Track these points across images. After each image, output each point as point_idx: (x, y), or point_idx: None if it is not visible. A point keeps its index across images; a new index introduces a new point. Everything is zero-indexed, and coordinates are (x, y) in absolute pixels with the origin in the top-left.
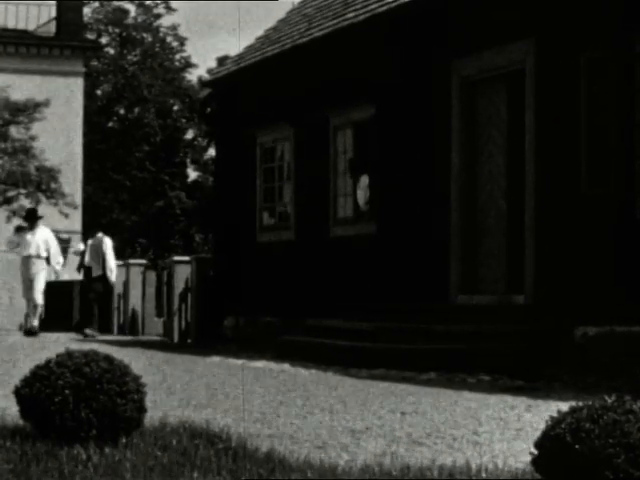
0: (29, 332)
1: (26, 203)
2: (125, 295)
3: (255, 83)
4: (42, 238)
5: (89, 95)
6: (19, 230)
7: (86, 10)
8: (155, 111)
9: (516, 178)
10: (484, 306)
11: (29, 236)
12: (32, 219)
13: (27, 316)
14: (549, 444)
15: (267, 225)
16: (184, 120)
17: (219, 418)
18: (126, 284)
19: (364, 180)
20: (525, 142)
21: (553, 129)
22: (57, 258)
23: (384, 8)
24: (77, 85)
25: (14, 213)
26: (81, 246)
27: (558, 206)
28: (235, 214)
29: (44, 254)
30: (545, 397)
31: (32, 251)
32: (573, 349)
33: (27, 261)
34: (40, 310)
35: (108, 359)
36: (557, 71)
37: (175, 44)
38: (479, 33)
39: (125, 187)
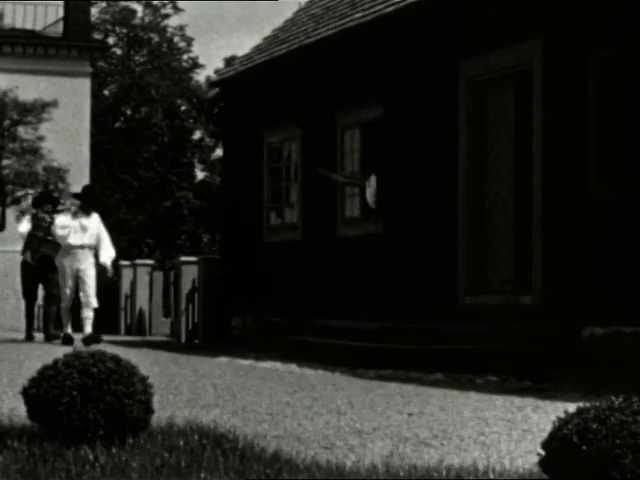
0: (93, 339)
1: None
2: (132, 295)
3: (262, 83)
4: (96, 225)
5: (96, 95)
6: (77, 213)
7: (93, 10)
8: (162, 111)
9: (523, 178)
10: (491, 306)
11: (84, 221)
12: (91, 199)
13: (48, 320)
14: (556, 445)
15: (274, 225)
16: (191, 120)
17: (226, 419)
18: (133, 284)
19: (373, 179)
20: (532, 142)
21: (561, 129)
22: (110, 251)
23: (391, 9)
24: (84, 85)
25: (22, 213)
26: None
27: (565, 206)
28: (242, 214)
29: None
30: (552, 398)
31: (87, 240)
32: (580, 350)
33: (78, 252)
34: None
35: (115, 359)
36: (565, 71)
37: (182, 44)
38: (487, 33)
39: (132, 187)
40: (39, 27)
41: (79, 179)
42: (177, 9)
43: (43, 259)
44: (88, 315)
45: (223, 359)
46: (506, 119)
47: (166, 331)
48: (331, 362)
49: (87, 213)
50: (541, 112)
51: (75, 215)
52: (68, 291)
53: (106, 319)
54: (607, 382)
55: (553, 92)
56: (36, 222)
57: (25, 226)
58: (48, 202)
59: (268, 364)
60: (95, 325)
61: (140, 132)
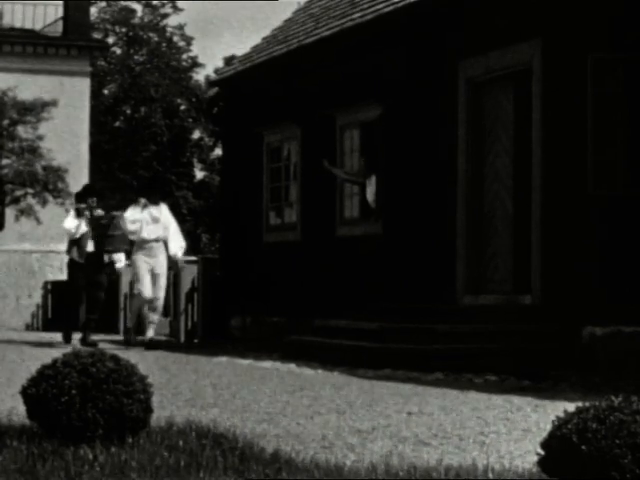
0: (154, 344)
1: (33, 202)
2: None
3: (262, 83)
4: (166, 215)
5: (96, 95)
6: (146, 205)
7: (93, 10)
8: (162, 111)
9: (523, 178)
10: (491, 306)
11: (155, 212)
12: (157, 188)
13: (87, 327)
14: (556, 444)
15: (274, 225)
16: (191, 120)
17: (225, 418)
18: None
19: (373, 179)
20: (532, 142)
21: (560, 130)
22: (181, 241)
23: (391, 8)
24: (84, 85)
25: (22, 212)
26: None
27: (565, 206)
28: (242, 214)
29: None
30: (552, 397)
31: (161, 232)
32: (580, 349)
33: (153, 247)
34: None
35: (115, 359)
36: (564, 71)
37: (182, 44)
38: (486, 33)
39: (132, 187)
40: (38, 26)
41: (78, 179)
42: (176, 8)
43: (90, 258)
44: (153, 319)
45: (222, 359)
46: (505, 119)
47: (165, 331)
48: (330, 362)
49: (155, 203)
50: (540, 112)
51: (144, 207)
52: (145, 289)
53: (105, 318)
54: (607, 382)
55: (552, 92)
56: (93, 220)
57: (71, 222)
58: (93, 195)
59: (267, 364)
60: (95, 325)
61: (139, 131)
